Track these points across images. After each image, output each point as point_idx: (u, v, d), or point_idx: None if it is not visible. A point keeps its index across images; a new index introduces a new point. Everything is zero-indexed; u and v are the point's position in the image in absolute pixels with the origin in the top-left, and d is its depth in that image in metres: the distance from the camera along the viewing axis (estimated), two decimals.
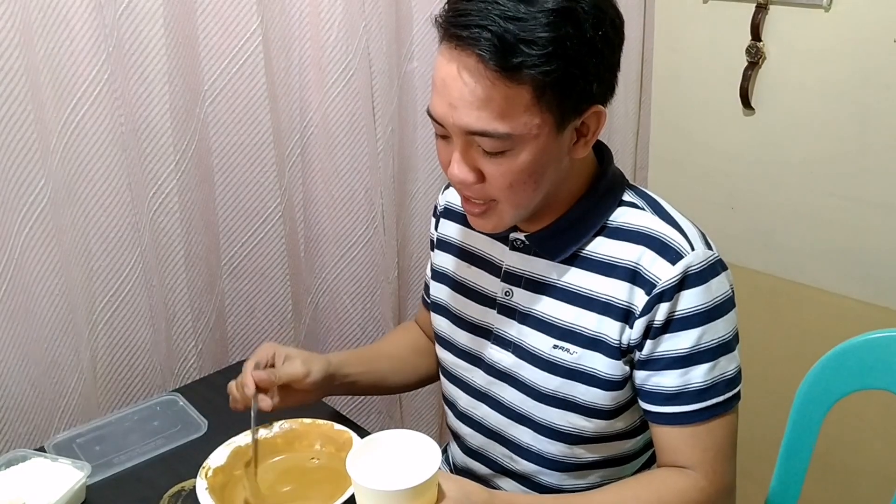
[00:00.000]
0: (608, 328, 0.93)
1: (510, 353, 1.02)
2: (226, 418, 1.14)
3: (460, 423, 1.12)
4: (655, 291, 0.90)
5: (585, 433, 0.99)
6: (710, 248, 0.93)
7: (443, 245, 1.12)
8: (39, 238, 1.19)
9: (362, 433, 1.04)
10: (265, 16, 1.33)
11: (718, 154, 1.84)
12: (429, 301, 1.18)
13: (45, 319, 1.23)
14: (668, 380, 0.92)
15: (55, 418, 1.27)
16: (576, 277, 0.96)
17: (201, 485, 0.95)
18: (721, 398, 0.93)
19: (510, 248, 1.01)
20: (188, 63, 1.28)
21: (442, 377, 1.15)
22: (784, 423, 1.11)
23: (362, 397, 1.64)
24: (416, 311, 1.30)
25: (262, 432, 1.05)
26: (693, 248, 0.91)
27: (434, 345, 1.17)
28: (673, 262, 0.90)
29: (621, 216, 0.96)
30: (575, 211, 0.96)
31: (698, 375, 0.92)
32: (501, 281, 1.02)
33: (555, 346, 0.97)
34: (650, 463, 1.08)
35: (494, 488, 1.07)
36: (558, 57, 0.81)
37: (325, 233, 1.54)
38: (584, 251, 0.96)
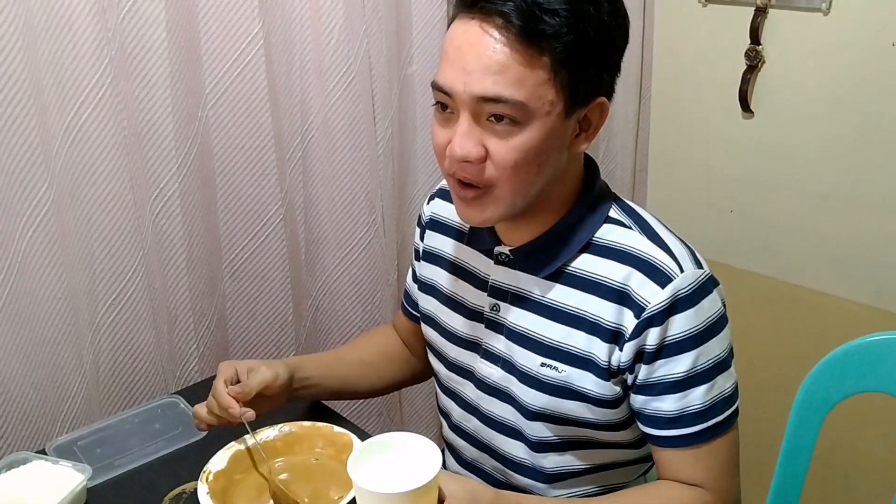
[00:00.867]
0: (597, 348, 0.92)
1: (499, 368, 1.01)
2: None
3: (454, 436, 1.11)
4: (645, 315, 0.89)
5: (579, 440, 0.99)
6: (699, 266, 0.92)
7: (429, 257, 1.11)
8: (42, 241, 1.20)
9: (363, 435, 1.04)
10: (266, 20, 1.34)
11: (718, 157, 1.85)
12: (410, 310, 1.18)
13: (48, 322, 1.23)
14: (667, 404, 0.91)
15: (57, 421, 1.27)
16: (561, 294, 0.95)
17: (202, 489, 0.95)
18: (721, 417, 0.92)
19: (495, 263, 1.00)
20: (190, 67, 1.28)
21: (437, 388, 1.15)
22: (784, 425, 1.11)
23: (362, 400, 1.64)
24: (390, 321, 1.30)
25: (264, 435, 1.06)
26: (682, 270, 0.89)
27: (408, 352, 1.18)
28: (662, 286, 0.88)
29: (608, 234, 0.94)
30: (561, 225, 0.95)
31: (697, 397, 0.91)
32: (488, 295, 1.02)
33: (542, 364, 0.96)
34: (648, 470, 1.08)
35: None
36: (578, 31, 0.82)
37: (325, 235, 1.54)
38: (568, 268, 0.95)
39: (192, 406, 1.20)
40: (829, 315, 1.72)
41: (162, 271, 1.34)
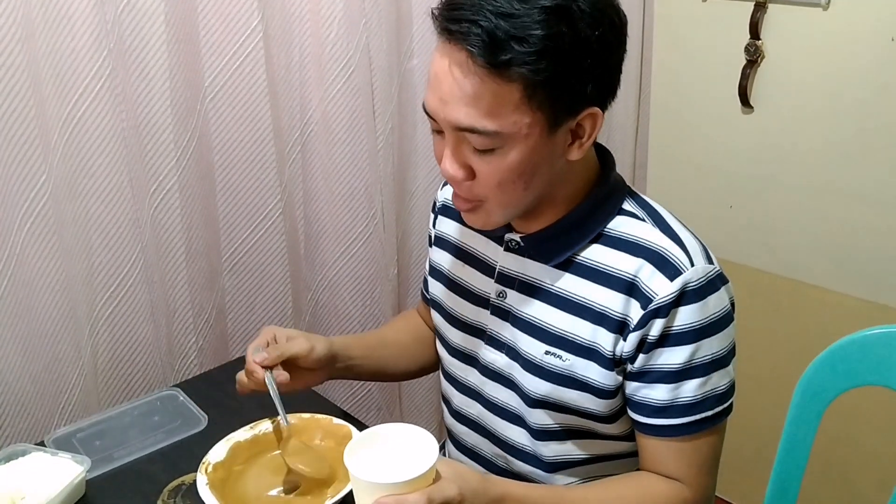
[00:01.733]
0: (603, 339, 0.93)
1: (503, 355, 1.02)
2: (226, 413, 1.15)
3: (455, 422, 1.12)
4: (651, 307, 0.89)
5: (580, 429, 0.99)
6: (710, 262, 0.93)
7: (440, 242, 1.12)
8: (40, 234, 1.19)
9: (362, 428, 1.04)
10: (266, 12, 1.33)
11: (717, 152, 1.85)
12: (426, 295, 1.19)
13: (46, 315, 1.23)
14: (658, 393, 0.92)
15: (55, 414, 1.28)
16: (569, 283, 0.95)
17: (201, 480, 0.95)
18: (710, 413, 0.92)
19: (504, 249, 1.01)
20: (189, 59, 1.28)
21: (440, 373, 1.15)
22: (783, 419, 1.12)
23: (362, 392, 1.65)
24: (415, 307, 1.30)
25: (262, 427, 1.06)
26: (693, 264, 0.90)
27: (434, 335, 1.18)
28: (671, 279, 0.89)
29: (620, 226, 0.94)
30: (573, 215, 0.95)
31: (689, 390, 0.91)
32: (495, 282, 1.02)
33: (546, 352, 0.96)
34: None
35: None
36: (550, 56, 0.79)
37: (325, 229, 1.54)
38: (578, 257, 0.95)
39: (191, 399, 1.21)
40: (827, 310, 1.72)
41: (160, 264, 1.34)
